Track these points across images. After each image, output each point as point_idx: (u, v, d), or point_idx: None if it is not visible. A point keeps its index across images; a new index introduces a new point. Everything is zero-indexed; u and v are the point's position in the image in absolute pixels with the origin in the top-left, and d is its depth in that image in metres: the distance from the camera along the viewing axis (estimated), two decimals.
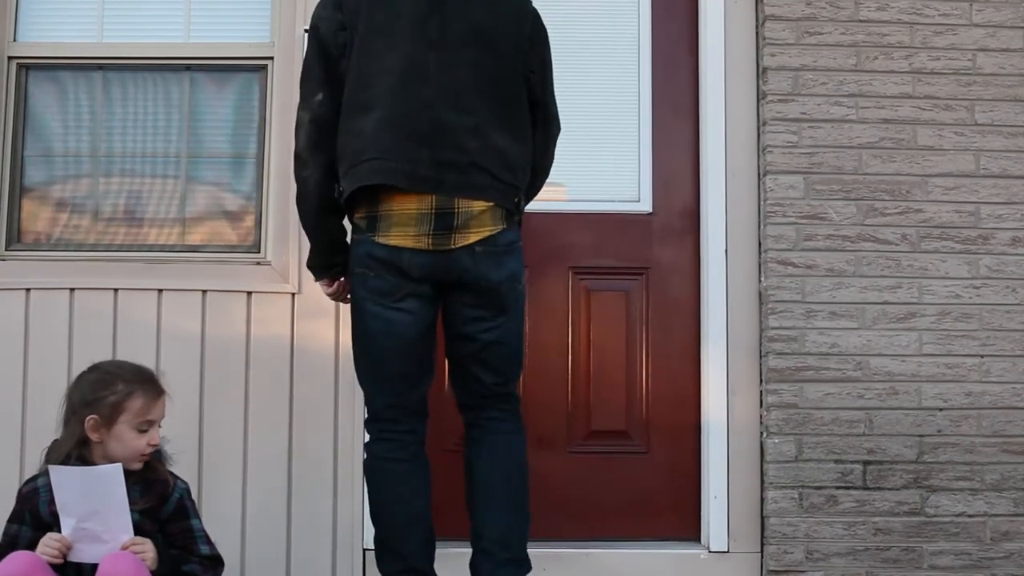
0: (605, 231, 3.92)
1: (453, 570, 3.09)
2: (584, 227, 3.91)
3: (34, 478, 2.69)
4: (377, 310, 2.78)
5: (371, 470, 2.87)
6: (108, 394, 2.67)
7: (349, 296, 2.93)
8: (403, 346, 2.80)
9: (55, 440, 2.76)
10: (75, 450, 2.64)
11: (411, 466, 2.85)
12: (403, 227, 2.75)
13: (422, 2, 2.82)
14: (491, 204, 2.79)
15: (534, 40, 2.95)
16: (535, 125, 2.95)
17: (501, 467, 2.92)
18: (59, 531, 2.59)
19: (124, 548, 2.56)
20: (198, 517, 2.78)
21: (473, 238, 2.78)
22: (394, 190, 2.74)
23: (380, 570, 2.86)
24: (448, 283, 2.80)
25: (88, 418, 2.65)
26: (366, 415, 2.93)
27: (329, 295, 3.04)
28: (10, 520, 2.67)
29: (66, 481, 2.57)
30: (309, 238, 2.95)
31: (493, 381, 2.93)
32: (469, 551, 2.95)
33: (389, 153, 2.73)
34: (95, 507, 2.57)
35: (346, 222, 2.93)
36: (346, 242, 2.92)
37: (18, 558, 2.51)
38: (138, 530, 2.61)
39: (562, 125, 3.10)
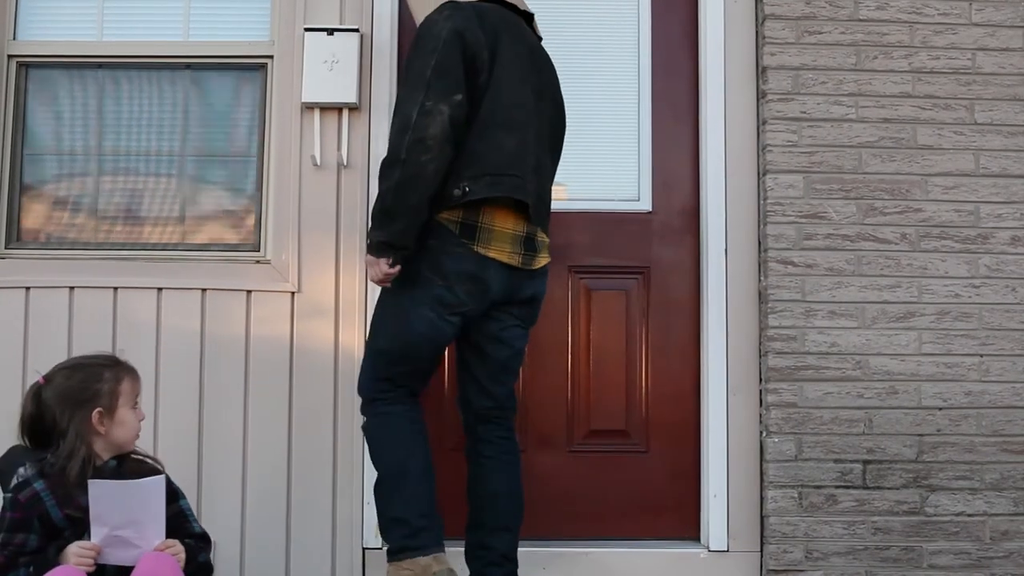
0: (604, 230, 3.92)
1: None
2: (583, 226, 3.92)
3: (26, 483, 2.64)
4: (432, 316, 3.03)
5: (392, 424, 3.06)
6: (102, 385, 2.70)
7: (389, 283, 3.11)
8: (437, 350, 3.10)
9: (17, 447, 2.75)
10: (89, 452, 2.65)
11: (424, 429, 3.10)
12: (502, 243, 3.07)
13: (526, 51, 3.18)
14: (548, 237, 3.24)
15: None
16: None
17: (514, 489, 3.19)
18: (72, 535, 2.60)
19: (158, 550, 2.58)
20: (184, 497, 2.80)
21: (542, 263, 3.20)
22: (500, 207, 3.05)
23: (392, 515, 3.00)
24: (507, 298, 3.12)
25: (94, 413, 2.67)
26: (377, 381, 3.08)
27: (384, 276, 3.04)
28: (12, 529, 2.61)
29: (106, 495, 2.56)
30: (402, 219, 2.96)
31: (510, 387, 3.24)
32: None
33: (525, 176, 3.08)
34: (133, 517, 2.58)
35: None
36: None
37: (60, 574, 2.52)
38: None
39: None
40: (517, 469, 3.20)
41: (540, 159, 3.15)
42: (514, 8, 3.24)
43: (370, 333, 3.16)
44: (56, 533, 2.61)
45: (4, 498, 2.68)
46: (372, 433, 3.09)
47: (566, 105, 3.34)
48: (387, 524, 3.03)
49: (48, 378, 2.73)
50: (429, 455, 3.07)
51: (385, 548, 3.10)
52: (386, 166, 2.96)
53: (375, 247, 3.01)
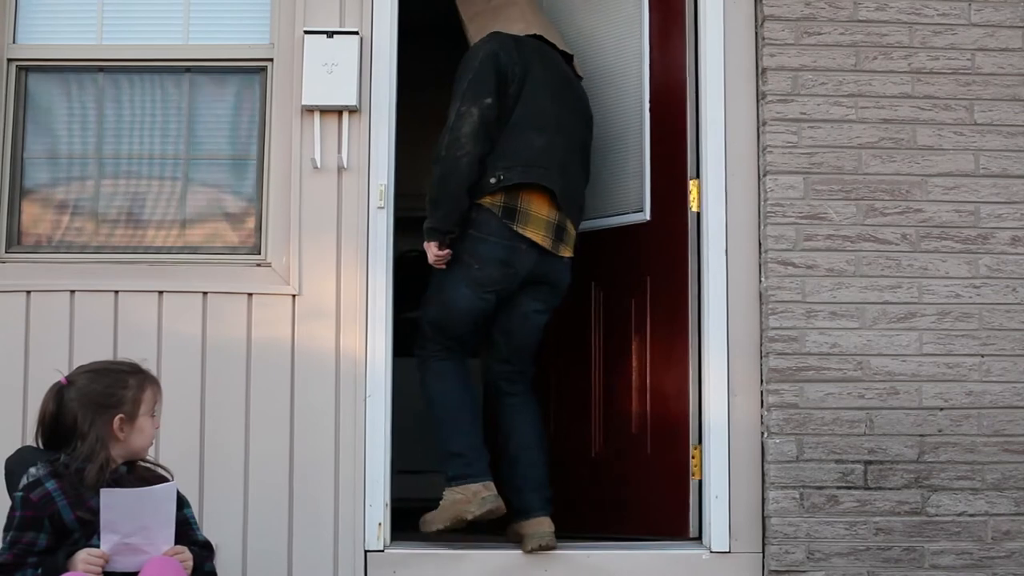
0: (608, 237, 3.97)
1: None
2: (586, 234, 3.97)
3: (38, 482, 2.65)
4: (469, 293, 3.62)
5: (446, 376, 3.68)
6: (127, 391, 2.73)
7: (445, 264, 3.67)
8: (475, 322, 3.68)
9: (26, 448, 2.79)
10: (107, 456, 2.67)
11: (470, 380, 3.73)
12: (537, 226, 3.62)
13: (558, 78, 3.78)
14: (575, 233, 3.74)
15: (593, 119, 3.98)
16: None
17: (537, 433, 3.75)
18: (82, 536, 2.61)
19: (167, 555, 2.60)
20: (189, 505, 2.82)
21: (565, 253, 3.71)
22: (536, 194, 3.62)
23: (451, 449, 3.62)
24: (534, 278, 3.65)
25: (116, 418, 2.69)
26: (430, 343, 3.70)
27: (438, 257, 3.63)
28: (21, 528, 2.62)
29: (119, 504, 2.57)
30: (443, 206, 3.57)
31: (528, 356, 3.78)
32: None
33: (551, 168, 3.64)
34: (144, 524, 2.59)
35: None
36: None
37: None
38: None
39: None
40: (537, 420, 3.75)
41: (568, 161, 3.71)
42: (554, 46, 3.84)
43: (423, 304, 3.73)
44: (66, 534, 2.62)
45: (14, 497, 2.68)
46: (430, 385, 3.70)
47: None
48: (446, 456, 3.64)
49: (71, 379, 2.75)
50: (477, 400, 3.71)
51: (445, 476, 3.66)
52: (433, 163, 3.59)
53: (426, 233, 3.61)
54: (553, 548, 3.56)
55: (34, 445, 2.79)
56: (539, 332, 3.76)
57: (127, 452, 2.74)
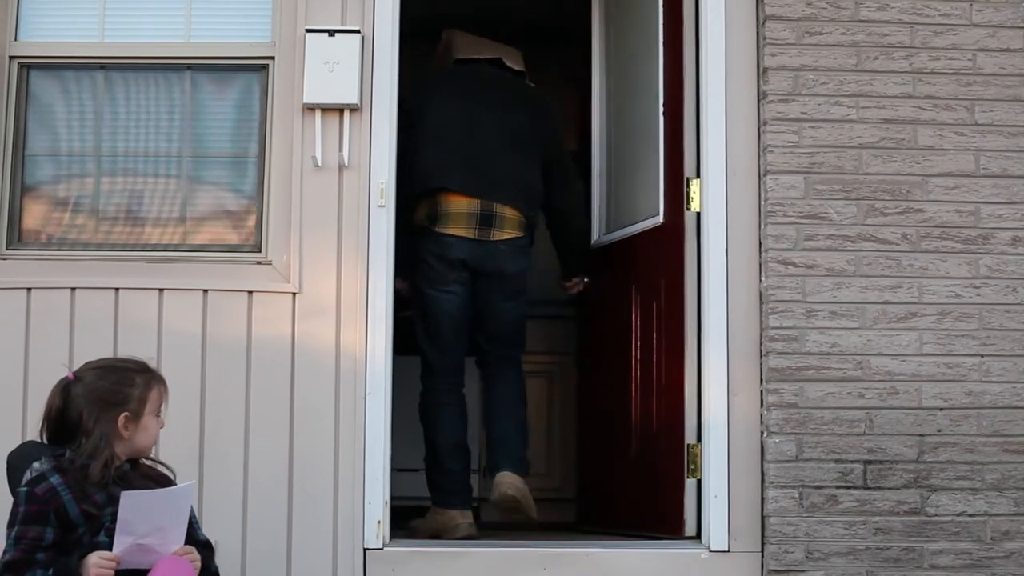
0: (641, 243, 4.03)
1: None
2: (625, 241, 4.10)
3: (42, 476, 2.64)
4: (433, 292, 3.99)
5: (432, 407, 4.04)
6: (133, 389, 2.73)
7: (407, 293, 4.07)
8: (451, 317, 3.99)
9: (28, 443, 2.80)
10: (111, 454, 2.67)
11: (456, 409, 4.02)
12: (458, 222, 3.97)
13: (477, 86, 4.16)
14: (518, 214, 4.00)
15: (548, 115, 4.30)
16: (551, 176, 4.20)
17: (510, 398, 4.05)
18: (87, 531, 2.61)
19: (176, 555, 2.60)
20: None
21: (500, 236, 3.98)
22: (452, 194, 3.97)
23: (432, 479, 3.99)
24: (476, 267, 3.95)
25: (121, 416, 2.69)
26: (425, 367, 4.07)
27: (400, 290, 3.94)
28: (27, 522, 2.61)
29: (139, 505, 2.57)
30: None
31: (509, 340, 4.10)
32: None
33: (449, 168, 3.98)
34: (160, 524, 2.59)
35: None
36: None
37: None
38: None
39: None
40: (514, 386, 4.05)
41: (485, 154, 4.03)
42: (476, 60, 4.25)
43: (415, 330, 4.05)
44: (71, 529, 2.62)
45: (18, 493, 2.67)
46: (421, 414, 4.07)
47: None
48: (431, 482, 4.01)
49: (78, 375, 2.75)
50: (459, 431, 3.99)
51: (430, 496, 4.05)
52: None
53: None
54: (519, 501, 3.82)
55: (37, 440, 2.79)
56: (512, 321, 4.07)
57: (131, 450, 2.74)
